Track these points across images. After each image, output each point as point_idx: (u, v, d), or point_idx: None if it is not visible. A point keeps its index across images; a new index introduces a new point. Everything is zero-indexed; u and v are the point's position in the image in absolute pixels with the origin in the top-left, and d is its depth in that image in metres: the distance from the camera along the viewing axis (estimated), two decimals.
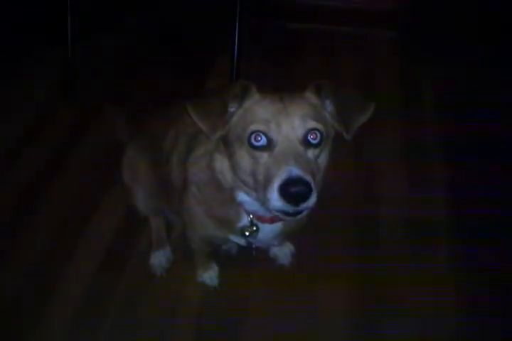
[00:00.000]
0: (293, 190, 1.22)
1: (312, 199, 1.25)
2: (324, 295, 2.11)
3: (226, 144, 1.41)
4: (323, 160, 1.37)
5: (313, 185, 1.24)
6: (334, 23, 3.70)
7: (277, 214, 1.32)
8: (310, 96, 1.40)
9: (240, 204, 1.52)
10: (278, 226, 1.61)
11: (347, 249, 2.28)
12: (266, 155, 1.30)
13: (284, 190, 1.22)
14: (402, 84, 3.24)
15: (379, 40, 3.66)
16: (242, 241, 1.68)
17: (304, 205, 1.25)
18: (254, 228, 1.58)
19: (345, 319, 2.05)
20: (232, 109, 1.38)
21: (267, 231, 1.61)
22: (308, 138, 1.32)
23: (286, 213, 1.29)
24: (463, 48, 3.33)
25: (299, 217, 1.31)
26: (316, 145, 1.33)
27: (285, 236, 1.80)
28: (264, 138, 1.30)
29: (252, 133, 1.31)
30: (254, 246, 1.73)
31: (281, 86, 1.43)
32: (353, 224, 2.39)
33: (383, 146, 2.80)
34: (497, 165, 2.62)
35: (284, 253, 2.24)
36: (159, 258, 2.22)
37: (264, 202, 1.30)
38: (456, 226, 2.38)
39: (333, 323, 2.04)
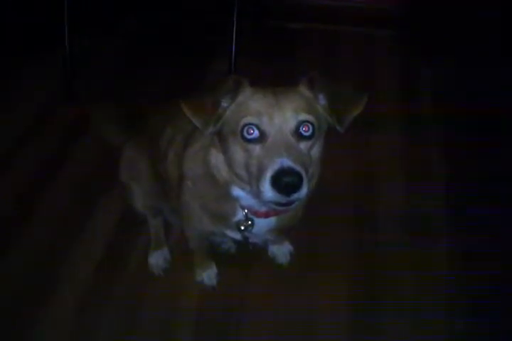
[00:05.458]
0: (284, 180, 1.23)
1: (304, 190, 1.26)
2: (323, 293, 2.10)
3: (220, 139, 1.43)
4: (315, 152, 1.38)
5: (304, 175, 1.25)
6: (334, 22, 3.70)
7: (270, 205, 1.34)
8: (303, 89, 1.41)
9: (235, 199, 1.53)
10: (272, 220, 1.62)
11: (346, 246, 2.27)
12: (258, 147, 1.32)
13: (276, 181, 1.24)
14: (402, 83, 3.24)
15: (379, 40, 3.65)
16: (238, 236, 1.70)
17: (295, 195, 1.26)
18: (249, 222, 1.59)
19: (345, 317, 2.04)
20: (225, 104, 1.40)
21: (262, 225, 1.62)
22: (301, 130, 1.32)
23: (278, 204, 1.31)
24: (463, 48, 3.32)
25: (291, 207, 1.34)
26: (308, 138, 1.34)
27: (280, 230, 1.81)
28: (256, 131, 1.32)
29: (245, 126, 1.32)
30: (250, 240, 1.74)
31: (280, 85, 1.44)
32: (352, 221, 2.38)
33: (383, 144, 2.79)
34: (497, 163, 2.62)
35: (282, 252, 2.24)
36: (157, 258, 2.22)
37: (257, 193, 1.32)
38: (456, 223, 2.37)
39: (333, 321, 2.03)
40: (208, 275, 2.14)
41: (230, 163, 1.41)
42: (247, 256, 2.15)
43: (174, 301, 2.09)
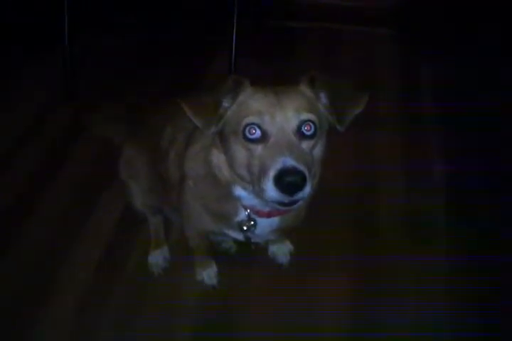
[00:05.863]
0: (287, 180, 1.23)
1: (307, 189, 1.25)
2: (323, 293, 2.10)
3: (222, 139, 1.42)
4: (317, 152, 1.37)
5: (307, 175, 1.25)
6: (334, 22, 3.71)
7: (273, 204, 1.34)
8: (304, 88, 1.41)
9: (236, 199, 1.52)
10: (275, 220, 1.62)
11: (347, 244, 2.27)
12: (260, 147, 1.31)
13: (279, 180, 1.24)
14: (402, 83, 3.24)
15: (379, 40, 3.66)
16: (240, 236, 1.69)
17: (298, 195, 1.26)
18: (252, 223, 1.59)
19: (345, 316, 2.04)
20: (226, 104, 1.39)
21: (264, 225, 1.62)
22: (302, 129, 1.32)
23: (281, 203, 1.31)
24: (463, 48, 3.32)
25: (294, 206, 1.33)
26: (310, 137, 1.33)
27: (282, 230, 1.80)
28: (258, 130, 1.31)
29: (247, 126, 1.32)
30: (252, 241, 1.73)
31: (280, 84, 1.44)
32: (352, 221, 2.38)
33: (383, 144, 2.80)
34: (497, 163, 2.62)
35: (282, 252, 2.23)
36: (156, 258, 2.22)
37: (259, 193, 1.32)
38: (456, 223, 2.37)
39: (333, 321, 2.02)
40: (208, 274, 2.13)
41: (231, 163, 1.40)
42: (247, 255, 2.15)
43: (174, 301, 2.08)
